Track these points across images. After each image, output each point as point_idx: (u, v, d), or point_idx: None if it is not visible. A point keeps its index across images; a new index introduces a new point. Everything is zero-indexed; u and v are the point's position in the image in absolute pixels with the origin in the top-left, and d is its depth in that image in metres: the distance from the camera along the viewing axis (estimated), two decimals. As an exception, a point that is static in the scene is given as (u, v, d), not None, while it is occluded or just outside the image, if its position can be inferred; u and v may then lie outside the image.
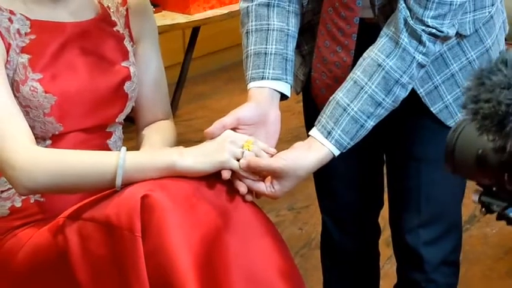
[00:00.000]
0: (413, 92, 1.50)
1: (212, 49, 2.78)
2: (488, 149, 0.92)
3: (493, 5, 1.52)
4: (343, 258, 1.90)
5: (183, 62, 2.66)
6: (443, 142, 1.37)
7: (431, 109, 1.55)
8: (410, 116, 1.56)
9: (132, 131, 1.74)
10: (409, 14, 1.41)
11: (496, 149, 0.92)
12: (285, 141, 1.47)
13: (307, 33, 1.56)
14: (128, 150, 1.49)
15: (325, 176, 1.72)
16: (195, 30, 2.55)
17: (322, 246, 1.92)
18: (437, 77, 1.53)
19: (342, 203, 1.81)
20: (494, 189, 0.98)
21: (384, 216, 1.78)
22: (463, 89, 0.98)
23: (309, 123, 1.49)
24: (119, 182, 1.37)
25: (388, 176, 1.73)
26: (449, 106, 1.56)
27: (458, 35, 1.48)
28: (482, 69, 0.93)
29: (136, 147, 1.67)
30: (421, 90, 1.53)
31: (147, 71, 1.69)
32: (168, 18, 2.32)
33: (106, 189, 1.40)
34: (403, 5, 1.41)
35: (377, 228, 1.86)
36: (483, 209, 0.95)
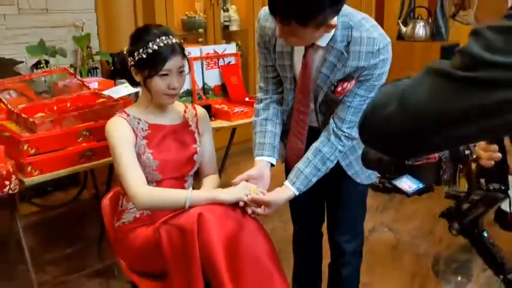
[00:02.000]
0: (339, 164, 1.65)
1: (248, 137, 2.68)
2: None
3: None
4: (302, 247, 1.99)
5: (227, 145, 2.89)
6: (354, 190, 1.71)
7: (348, 173, 1.69)
8: (337, 176, 1.68)
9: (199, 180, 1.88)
10: (335, 125, 1.57)
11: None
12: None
13: (286, 133, 1.70)
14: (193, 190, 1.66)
15: (296, 205, 1.84)
16: (234, 129, 2.75)
17: (293, 241, 2.02)
18: (351, 157, 1.67)
19: (303, 218, 1.92)
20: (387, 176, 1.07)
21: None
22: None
23: (286, 177, 1.66)
24: (187, 205, 1.53)
25: (327, 207, 1.85)
26: (358, 171, 1.68)
27: None
28: None
29: (197, 188, 1.79)
30: (343, 163, 1.67)
31: (205, 149, 1.82)
32: (219, 123, 2.50)
33: (181, 209, 1.54)
34: (332, 121, 1.58)
35: (320, 232, 1.95)
36: (381, 185, 1.02)
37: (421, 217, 3.09)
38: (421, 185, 1.01)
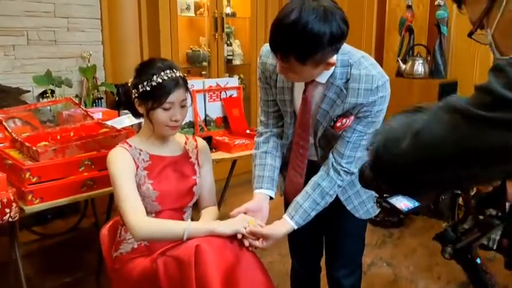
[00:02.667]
0: (338, 198, 1.66)
1: (247, 169, 2.73)
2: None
3: None
4: (300, 281, 1.99)
5: (228, 176, 2.92)
6: (353, 224, 1.71)
7: (347, 208, 1.70)
8: (336, 211, 1.69)
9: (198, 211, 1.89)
10: (334, 160, 1.59)
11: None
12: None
13: (286, 166, 1.71)
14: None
15: (295, 238, 1.84)
16: (234, 161, 2.76)
17: (291, 275, 2.02)
18: (350, 191, 1.69)
19: (302, 252, 1.93)
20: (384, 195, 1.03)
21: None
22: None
23: (285, 210, 1.66)
24: (185, 237, 1.53)
25: (325, 242, 1.86)
26: (356, 206, 1.69)
27: None
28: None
29: (196, 219, 1.82)
30: (342, 197, 1.69)
31: (205, 181, 1.85)
32: (219, 155, 2.52)
33: (179, 240, 1.54)
34: (331, 155, 1.59)
35: (319, 266, 1.96)
36: (378, 205, 1.00)
37: (420, 253, 3.06)
38: (417, 204, 0.97)
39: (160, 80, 1.61)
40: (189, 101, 1.71)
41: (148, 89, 1.61)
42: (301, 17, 1.29)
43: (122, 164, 1.63)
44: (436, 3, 3.59)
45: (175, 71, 1.66)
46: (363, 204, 1.68)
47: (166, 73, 1.63)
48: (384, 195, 1.03)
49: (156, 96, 1.61)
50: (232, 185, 2.99)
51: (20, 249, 2.02)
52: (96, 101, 3.34)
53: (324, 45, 1.32)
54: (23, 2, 3.10)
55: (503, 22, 0.84)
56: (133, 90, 1.67)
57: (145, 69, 1.66)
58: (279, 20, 1.34)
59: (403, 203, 0.98)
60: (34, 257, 2.86)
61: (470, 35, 0.92)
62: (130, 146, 1.69)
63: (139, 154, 1.69)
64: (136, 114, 1.76)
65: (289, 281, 2.02)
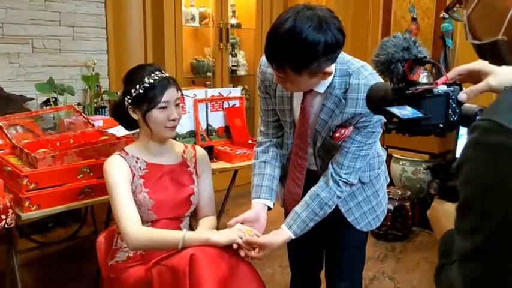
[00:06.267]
0: (338, 210, 1.65)
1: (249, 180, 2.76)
2: (388, 89, 0.95)
3: (379, 168, 1.70)
4: None
5: (229, 186, 2.85)
6: (354, 237, 1.68)
7: (348, 219, 1.69)
8: (337, 223, 1.68)
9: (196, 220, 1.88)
10: (333, 171, 1.58)
11: (392, 89, 0.92)
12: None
13: (286, 176, 1.71)
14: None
15: (294, 250, 1.88)
16: (236, 171, 2.71)
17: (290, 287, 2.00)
18: (351, 203, 1.68)
19: (301, 264, 1.91)
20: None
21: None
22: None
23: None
24: (180, 246, 1.53)
25: (326, 254, 1.84)
26: (357, 218, 1.68)
27: (361, 182, 1.64)
28: (382, 40, 0.96)
29: (195, 228, 1.81)
30: (343, 209, 1.67)
31: (203, 190, 1.84)
32: (220, 164, 2.51)
33: (174, 249, 1.55)
34: (331, 166, 1.59)
35: (319, 278, 1.95)
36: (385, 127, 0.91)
37: (423, 268, 3.02)
38: (419, 114, 0.85)
39: (152, 81, 1.63)
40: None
41: (141, 91, 1.62)
42: (296, 26, 1.28)
43: (117, 172, 1.62)
44: (441, 15, 3.56)
45: (164, 72, 1.70)
46: (364, 216, 1.67)
47: (157, 74, 1.66)
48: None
49: (152, 97, 1.62)
50: (234, 195, 2.97)
51: (18, 257, 2.03)
52: (100, 109, 3.36)
53: (318, 54, 1.31)
54: (29, 10, 3.15)
55: (481, 5, 0.80)
56: (125, 98, 1.66)
57: (135, 75, 1.68)
58: (273, 28, 1.33)
59: (403, 110, 0.89)
60: (33, 265, 2.86)
61: (447, 10, 0.89)
62: (127, 153, 1.68)
63: (136, 162, 1.68)
64: (128, 126, 1.76)
65: None
